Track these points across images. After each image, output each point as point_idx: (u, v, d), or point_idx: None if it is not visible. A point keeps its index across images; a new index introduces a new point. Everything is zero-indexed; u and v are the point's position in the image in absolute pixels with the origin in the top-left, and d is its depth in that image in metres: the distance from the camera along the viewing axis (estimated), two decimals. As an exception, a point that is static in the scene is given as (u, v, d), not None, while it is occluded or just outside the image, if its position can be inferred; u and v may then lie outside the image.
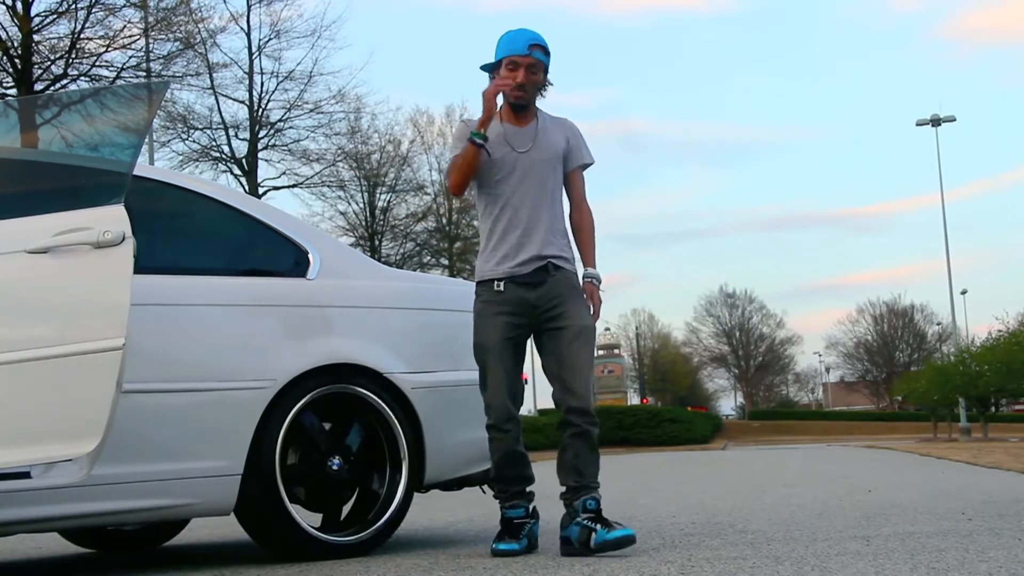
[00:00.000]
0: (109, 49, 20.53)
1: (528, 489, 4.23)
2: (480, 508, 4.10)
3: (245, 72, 27.88)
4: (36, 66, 19.69)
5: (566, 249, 4.26)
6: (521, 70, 4.16)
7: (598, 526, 3.92)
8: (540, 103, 4.30)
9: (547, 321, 4.15)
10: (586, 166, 4.37)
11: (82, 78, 20.10)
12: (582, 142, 4.36)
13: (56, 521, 3.88)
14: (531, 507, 4.23)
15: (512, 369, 4.15)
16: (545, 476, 4.88)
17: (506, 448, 4.13)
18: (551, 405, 4.62)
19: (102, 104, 4.27)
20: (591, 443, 4.09)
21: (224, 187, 4.96)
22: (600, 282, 4.29)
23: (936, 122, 38.13)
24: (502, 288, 4.14)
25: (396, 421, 4.43)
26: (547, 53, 4.22)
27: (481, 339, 4.17)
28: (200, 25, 23.76)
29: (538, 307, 4.14)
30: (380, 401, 4.40)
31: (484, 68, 4.26)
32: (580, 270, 4.30)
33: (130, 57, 20.88)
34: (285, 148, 28.90)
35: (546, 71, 4.24)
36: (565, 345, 4.12)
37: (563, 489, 4.11)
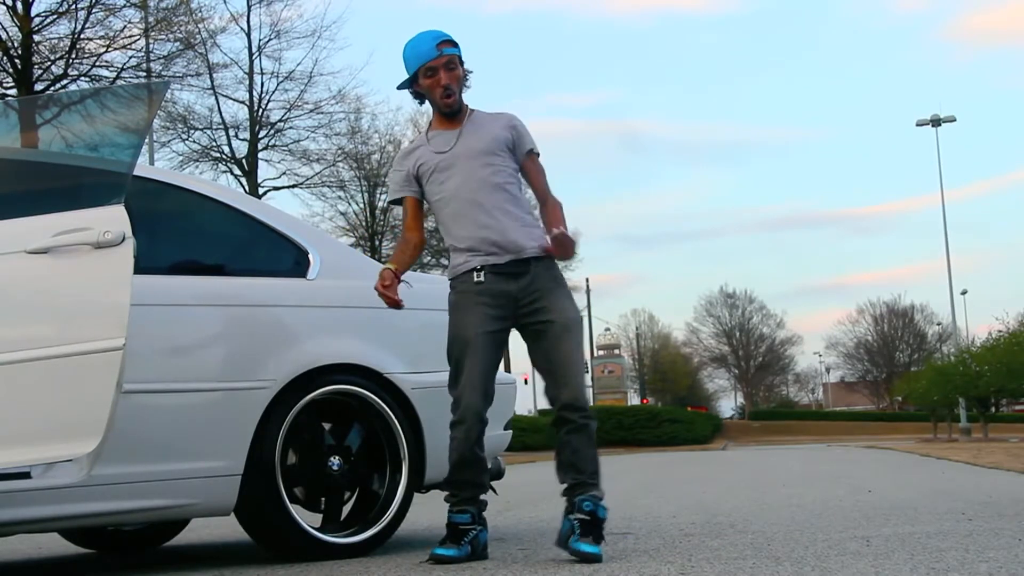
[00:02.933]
0: (109, 49, 20.56)
1: (481, 497, 4.05)
2: (480, 508, 4.08)
3: (245, 72, 27.91)
4: (36, 66, 19.69)
5: (540, 237, 4.04)
6: (440, 72, 4.02)
7: (579, 531, 3.80)
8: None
9: (529, 315, 3.98)
10: (533, 153, 4.14)
11: (82, 78, 20.10)
12: (525, 130, 4.14)
13: (56, 521, 3.88)
14: (480, 514, 4.02)
15: (489, 367, 3.95)
16: (545, 477, 4.87)
17: (464, 450, 3.92)
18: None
19: (102, 104, 4.26)
20: (589, 438, 3.93)
21: (224, 187, 4.97)
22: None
23: (936, 122, 38.13)
24: (482, 278, 3.98)
25: (396, 421, 4.43)
26: (455, 44, 4.06)
27: (458, 331, 3.97)
28: (200, 25, 23.80)
29: (520, 300, 3.97)
30: (380, 401, 4.40)
31: (401, 87, 4.12)
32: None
33: (130, 57, 20.92)
34: (285, 148, 28.93)
35: (462, 61, 4.08)
36: (553, 340, 3.95)
37: (563, 487, 3.96)
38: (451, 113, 4.10)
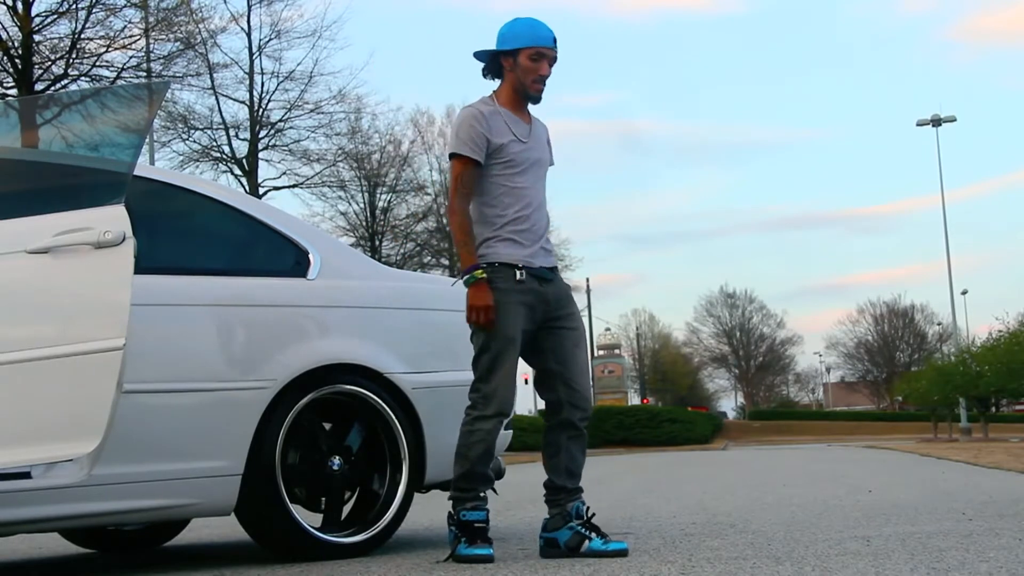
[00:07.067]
0: (110, 49, 20.54)
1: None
2: (480, 508, 4.07)
3: (245, 72, 27.92)
4: (36, 66, 19.68)
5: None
6: (545, 63, 4.02)
7: (592, 535, 3.94)
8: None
9: (555, 320, 4.07)
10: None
11: (82, 78, 20.10)
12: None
13: (56, 521, 3.88)
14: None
15: (517, 365, 4.06)
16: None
17: (490, 443, 3.98)
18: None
19: (102, 104, 4.27)
20: (585, 446, 4.14)
21: (225, 187, 4.97)
22: None
23: (936, 122, 38.06)
24: (523, 277, 4.00)
25: (396, 421, 4.43)
26: None
27: (501, 327, 3.93)
28: (201, 25, 23.77)
29: (550, 303, 4.06)
30: (380, 401, 4.40)
31: (480, 53, 4.07)
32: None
33: (130, 57, 20.90)
34: (285, 148, 28.93)
35: None
36: (571, 347, 4.09)
37: (551, 489, 4.06)
38: (534, 99, 4.09)
